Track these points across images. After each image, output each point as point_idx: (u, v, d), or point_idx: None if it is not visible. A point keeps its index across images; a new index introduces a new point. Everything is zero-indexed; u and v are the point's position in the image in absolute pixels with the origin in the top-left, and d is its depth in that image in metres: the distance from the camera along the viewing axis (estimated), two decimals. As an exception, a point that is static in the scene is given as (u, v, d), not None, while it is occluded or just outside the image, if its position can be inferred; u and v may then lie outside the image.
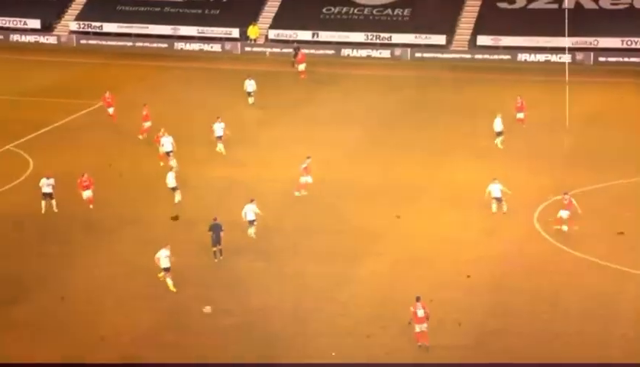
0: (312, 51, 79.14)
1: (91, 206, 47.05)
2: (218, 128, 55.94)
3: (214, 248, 42.58)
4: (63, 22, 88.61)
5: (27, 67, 77.47)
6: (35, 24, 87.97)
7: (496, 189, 46.98)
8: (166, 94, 68.16)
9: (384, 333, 36.62)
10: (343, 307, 38.88)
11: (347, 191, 50.07)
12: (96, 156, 55.62)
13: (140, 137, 57.72)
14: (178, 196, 48.67)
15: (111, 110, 60.58)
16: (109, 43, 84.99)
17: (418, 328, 35.50)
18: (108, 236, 45.12)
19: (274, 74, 73.94)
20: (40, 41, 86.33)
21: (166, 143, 53.60)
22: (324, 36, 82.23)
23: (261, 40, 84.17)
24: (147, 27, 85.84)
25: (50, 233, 45.54)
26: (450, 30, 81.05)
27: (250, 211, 44.07)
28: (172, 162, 52.39)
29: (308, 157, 50.41)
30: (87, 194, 47.30)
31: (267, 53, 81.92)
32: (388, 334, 36.48)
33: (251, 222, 44.20)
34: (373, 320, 37.75)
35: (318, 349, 35.90)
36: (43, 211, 47.31)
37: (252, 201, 44.35)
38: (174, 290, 39.35)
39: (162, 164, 52.83)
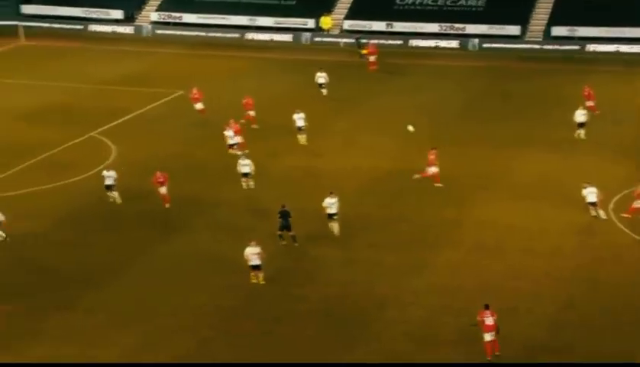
0: (384, 42, 78.93)
1: (167, 206, 46.53)
2: (299, 119, 55.68)
3: (280, 232, 42.63)
4: (144, 13, 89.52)
5: (109, 57, 78.37)
6: (118, 14, 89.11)
7: (590, 193, 45.22)
8: (241, 84, 68.50)
9: (456, 322, 36.37)
10: (417, 296, 38.66)
11: (421, 181, 49.78)
12: (174, 144, 56.10)
13: (241, 120, 57.53)
14: (245, 184, 48.74)
15: (199, 105, 60.53)
16: (184, 33, 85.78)
17: (487, 337, 34.11)
18: (185, 224, 45.41)
19: (347, 65, 73.84)
20: (121, 31, 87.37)
21: (231, 137, 53.54)
22: (399, 27, 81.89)
23: (335, 31, 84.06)
24: (225, 18, 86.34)
25: (129, 219, 45.96)
26: (524, 21, 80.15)
27: (330, 205, 43.43)
28: (240, 151, 52.69)
29: (434, 148, 49.73)
30: (162, 191, 46.85)
31: (342, 44, 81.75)
32: (460, 323, 36.18)
33: (331, 216, 43.45)
34: (445, 309, 37.53)
35: (392, 338, 35.76)
36: (111, 200, 47.52)
37: (331, 194, 43.59)
38: (263, 282, 39.20)
39: (237, 153, 53.07)
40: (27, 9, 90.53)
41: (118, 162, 53.20)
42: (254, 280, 39.16)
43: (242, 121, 57.51)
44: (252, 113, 58.45)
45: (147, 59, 77.74)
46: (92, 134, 58.16)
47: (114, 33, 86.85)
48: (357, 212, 45.97)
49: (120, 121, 60.69)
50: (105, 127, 59.39)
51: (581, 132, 55.55)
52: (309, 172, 51.56)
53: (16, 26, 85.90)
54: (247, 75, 71.52)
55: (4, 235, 43.25)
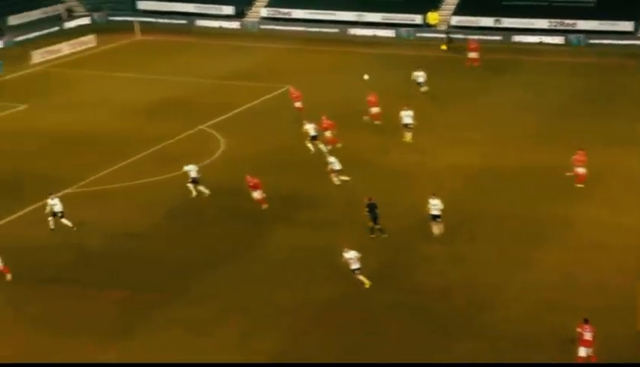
0: (486, 37, 78.06)
1: (264, 207, 46.04)
2: (406, 117, 54.96)
3: (371, 225, 42.47)
4: (254, 9, 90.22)
5: (218, 52, 79.13)
6: (229, 10, 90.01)
7: None
8: (346, 78, 68.52)
9: (559, 321, 35.69)
10: (519, 292, 38.08)
11: (526, 177, 49.02)
12: (280, 138, 56.38)
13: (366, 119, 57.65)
14: (337, 180, 48.59)
15: (298, 104, 60.70)
16: (288, 28, 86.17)
17: (583, 352, 32.80)
18: (288, 218, 45.43)
19: (451, 61, 73.24)
20: (227, 27, 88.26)
21: (311, 129, 53.31)
22: (507, 23, 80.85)
23: (442, 27, 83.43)
24: (333, 14, 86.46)
25: (234, 213, 46.16)
26: (638, 17, 78.21)
27: (433, 206, 42.62)
28: (322, 146, 52.59)
29: (581, 149, 48.38)
30: (256, 195, 46.11)
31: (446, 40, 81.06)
32: (562, 321, 35.50)
33: (435, 218, 42.62)
34: (549, 307, 36.78)
35: (494, 336, 35.25)
36: (193, 195, 47.40)
37: (434, 195, 42.86)
38: (368, 284, 38.66)
39: (322, 148, 52.95)
40: (143, 5, 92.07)
41: (226, 155, 53.77)
42: (363, 283, 38.34)
43: (365, 117, 57.08)
44: (375, 110, 57.47)
45: (254, 54, 78.27)
46: (201, 127, 58.82)
47: (220, 28, 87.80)
48: (460, 207, 45.44)
49: (229, 114, 61.24)
50: (215, 120, 59.99)
51: None
52: (413, 168, 51.17)
53: (132, 22, 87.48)
54: (351, 70, 71.45)
55: (70, 224, 43.86)
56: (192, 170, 47.77)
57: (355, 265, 38.40)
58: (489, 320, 36.04)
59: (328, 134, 53.36)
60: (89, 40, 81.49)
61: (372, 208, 42.72)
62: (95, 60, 76.70)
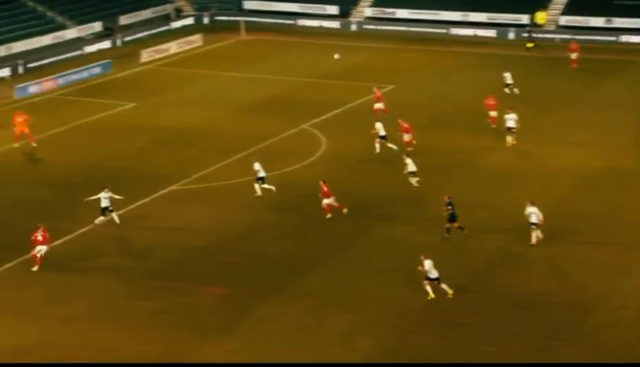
0: (599, 38, 76.50)
1: (345, 211, 44.97)
2: (509, 120, 53.85)
3: (448, 225, 42.08)
4: (358, 8, 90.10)
5: (320, 51, 79.23)
6: (333, 10, 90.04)
7: None
8: (449, 78, 67.92)
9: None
10: (625, 298, 37.03)
11: (633, 180, 47.83)
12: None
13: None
14: (415, 181, 47.96)
15: (379, 105, 59.63)
16: (390, 28, 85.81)
17: None
18: (395, 216, 45.09)
19: (557, 61, 71.99)
20: (328, 26, 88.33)
21: (380, 128, 52.89)
22: (618, 23, 79.07)
23: (550, 27, 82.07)
24: (437, 14, 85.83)
25: (337, 210, 46.11)
26: None
27: (531, 213, 41.52)
28: (391, 145, 52.44)
29: None
30: (326, 202, 44.65)
31: (556, 40, 79.76)
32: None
33: (532, 225, 41.49)
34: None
35: (599, 340, 34.35)
36: (258, 193, 47.22)
37: (532, 203, 41.66)
38: (451, 293, 37.46)
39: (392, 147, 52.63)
40: (249, 5, 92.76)
41: (327, 154, 53.69)
42: (430, 297, 37.17)
43: (489, 121, 56.30)
44: (494, 113, 56.17)
45: (357, 53, 78.14)
46: (304, 126, 58.89)
47: (321, 28, 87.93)
48: (566, 210, 44.55)
49: (331, 114, 61.17)
50: (317, 119, 60.00)
51: None
52: (515, 170, 50.48)
53: (237, 21, 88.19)
54: (453, 71, 70.88)
55: (117, 220, 44.00)
56: (259, 169, 47.51)
57: (433, 275, 37.40)
58: (593, 325, 35.14)
59: (406, 137, 52.65)
60: (196, 40, 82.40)
61: (451, 207, 42.32)
62: (201, 59, 77.50)
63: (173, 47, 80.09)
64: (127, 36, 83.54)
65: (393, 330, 35.11)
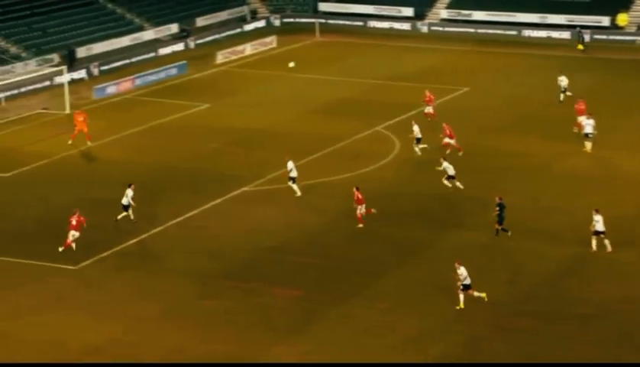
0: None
1: (360, 226, 44.21)
2: (587, 125, 52.96)
3: (497, 227, 41.94)
4: (434, 10, 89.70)
5: (396, 53, 79.14)
6: (409, 12, 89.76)
7: None
8: (523, 81, 67.26)
9: None
10: None
11: None
12: (459, 139, 55.69)
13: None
14: (451, 185, 47.60)
15: (429, 108, 59.14)
16: (461, 30, 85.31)
17: None
18: (467, 220, 44.77)
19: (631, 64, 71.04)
20: (399, 28, 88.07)
21: (417, 132, 52.94)
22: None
23: (631, 29, 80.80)
24: (513, 16, 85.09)
25: (410, 213, 45.85)
26: None
27: (597, 221, 40.90)
28: (417, 148, 52.60)
29: None
30: (360, 210, 44.13)
31: (637, 42, 78.50)
32: None
33: (598, 234, 40.79)
34: None
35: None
36: (298, 194, 47.29)
37: (597, 211, 40.96)
38: (485, 296, 36.82)
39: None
40: (324, 6, 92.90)
41: (400, 157, 53.49)
42: (459, 307, 36.57)
43: (575, 126, 55.44)
44: (581, 119, 54.94)
45: (431, 55, 77.83)
46: (377, 128, 58.75)
47: (393, 29, 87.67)
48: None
49: (404, 116, 60.93)
50: (390, 122, 59.83)
51: None
52: (593, 175, 49.79)
53: (311, 23, 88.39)
54: (527, 73, 70.17)
55: (133, 218, 44.41)
56: (292, 168, 47.59)
57: (467, 281, 36.77)
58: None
59: (447, 140, 52.17)
60: (271, 41, 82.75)
61: (501, 208, 42.05)
62: (275, 61, 77.78)
63: (248, 49, 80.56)
64: (203, 37, 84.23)
65: (463, 336, 34.80)
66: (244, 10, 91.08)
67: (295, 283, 38.84)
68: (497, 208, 42.25)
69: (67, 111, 62.00)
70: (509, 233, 42.17)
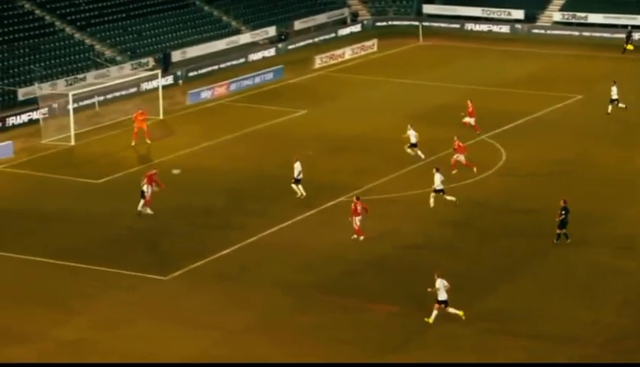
0: None
1: (356, 237, 44.45)
2: None
3: (559, 231, 41.85)
4: (547, 12, 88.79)
5: (503, 58, 78.62)
6: (519, 14, 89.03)
7: None
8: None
9: None
10: None
11: None
12: (565, 151, 55.17)
13: None
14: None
15: (470, 119, 58.29)
16: (561, 33, 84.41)
17: None
18: (578, 236, 44.18)
19: None
20: (497, 30, 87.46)
21: (412, 136, 53.72)
22: None
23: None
24: (636, 18, 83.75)
25: (513, 227, 45.41)
26: None
27: None
28: (415, 152, 53.46)
29: None
30: (356, 222, 44.20)
31: None
32: None
33: None
34: None
35: None
36: (298, 195, 48.49)
37: None
38: (462, 314, 36.70)
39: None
40: (428, 9, 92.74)
41: (506, 168, 53.11)
42: (429, 320, 36.61)
43: None
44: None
45: (543, 60, 77.16)
46: (482, 137, 58.42)
47: (502, 33, 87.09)
48: None
49: (512, 125, 60.46)
50: (496, 130, 59.42)
51: None
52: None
53: (414, 26, 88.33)
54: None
55: (150, 211, 45.51)
56: (298, 169, 48.52)
57: (441, 297, 36.47)
58: None
59: (457, 158, 51.57)
60: (371, 45, 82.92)
61: (566, 213, 42.01)
62: (375, 65, 77.92)
63: (348, 53, 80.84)
64: (301, 41, 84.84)
65: (574, 358, 34.33)
66: (345, 12, 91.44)
67: (393, 298, 38.83)
68: (562, 212, 42.04)
69: (161, 116, 63.09)
70: (569, 240, 42.08)
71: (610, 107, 61.10)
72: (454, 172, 50.94)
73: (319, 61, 78.08)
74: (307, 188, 50.48)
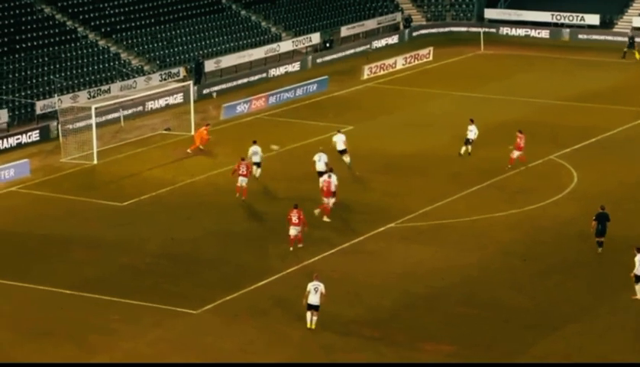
0: None
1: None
2: None
3: (598, 239, 42.25)
4: (625, 17, 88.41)
5: (577, 68, 78.45)
6: (594, 19, 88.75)
7: None
8: None
9: None
10: None
11: None
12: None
13: None
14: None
15: (517, 153, 56.71)
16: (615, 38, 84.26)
17: None
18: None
19: None
20: (594, 38, 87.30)
21: (339, 142, 56.22)
22: None
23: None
24: None
25: (580, 256, 45.41)
26: None
27: None
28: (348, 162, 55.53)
29: None
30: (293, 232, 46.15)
31: None
32: None
33: None
34: None
35: None
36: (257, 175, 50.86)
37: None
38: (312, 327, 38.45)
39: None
40: (491, 13, 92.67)
41: (577, 191, 52.89)
42: (308, 326, 38.42)
43: None
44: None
45: (620, 70, 76.86)
46: (551, 156, 58.23)
47: (570, 39, 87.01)
48: None
49: (585, 143, 60.26)
50: (567, 149, 59.24)
51: None
52: None
53: (475, 32, 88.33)
54: None
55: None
56: (257, 152, 54.30)
57: (314, 300, 38.15)
58: None
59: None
60: (426, 54, 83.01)
61: (601, 219, 42.67)
62: (431, 76, 77.99)
63: (400, 62, 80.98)
64: (348, 49, 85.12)
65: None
66: (397, 17, 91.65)
67: (449, 336, 38.78)
68: (594, 219, 43.04)
69: (192, 132, 63.46)
70: (600, 249, 42.80)
71: None
72: (509, 167, 52.61)
73: (368, 72, 78.30)
74: (354, 212, 50.57)
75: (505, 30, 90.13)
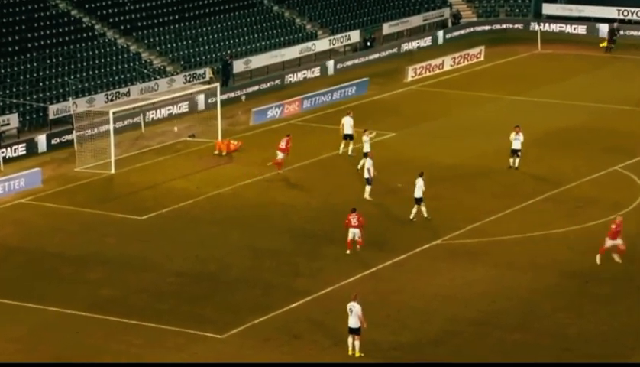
0: None
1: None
2: None
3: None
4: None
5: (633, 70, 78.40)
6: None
7: None
8: None
9: None
10: None
11: None
12: None
13: None
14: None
15: None
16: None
17: None
18: None
19: None
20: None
21: (346, 125, 59.99)
22: None
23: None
24: None
25: None
26: None
27: None
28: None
29: None
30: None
31: None
32: None
33: None
34: None
35: None
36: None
37: None
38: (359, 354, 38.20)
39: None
40: (549, 9, 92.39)
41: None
42: (350, 352, 38.58)
43: None
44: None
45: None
46: (616, 167, 58.03)
47: (626, 37, 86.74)
48: None
49: (652, 153, 60.20)
50: (634, 159, 59.05)
51: None
52: None
53: (533, 30, 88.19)
54: None
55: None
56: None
57: (354, 324, 38.29)
58: None
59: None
60: (477, 54, 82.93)
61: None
62: (482, 78, 77.90)
63: (447, 63, 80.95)
64: (390, 48, 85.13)
65: None
66: (445, 13, 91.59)
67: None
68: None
69: (219, 139, 63.51)
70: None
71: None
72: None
73: (412, 73, 78.31)
74: (395, 227, 50.55)
75: (565, 28, 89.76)
